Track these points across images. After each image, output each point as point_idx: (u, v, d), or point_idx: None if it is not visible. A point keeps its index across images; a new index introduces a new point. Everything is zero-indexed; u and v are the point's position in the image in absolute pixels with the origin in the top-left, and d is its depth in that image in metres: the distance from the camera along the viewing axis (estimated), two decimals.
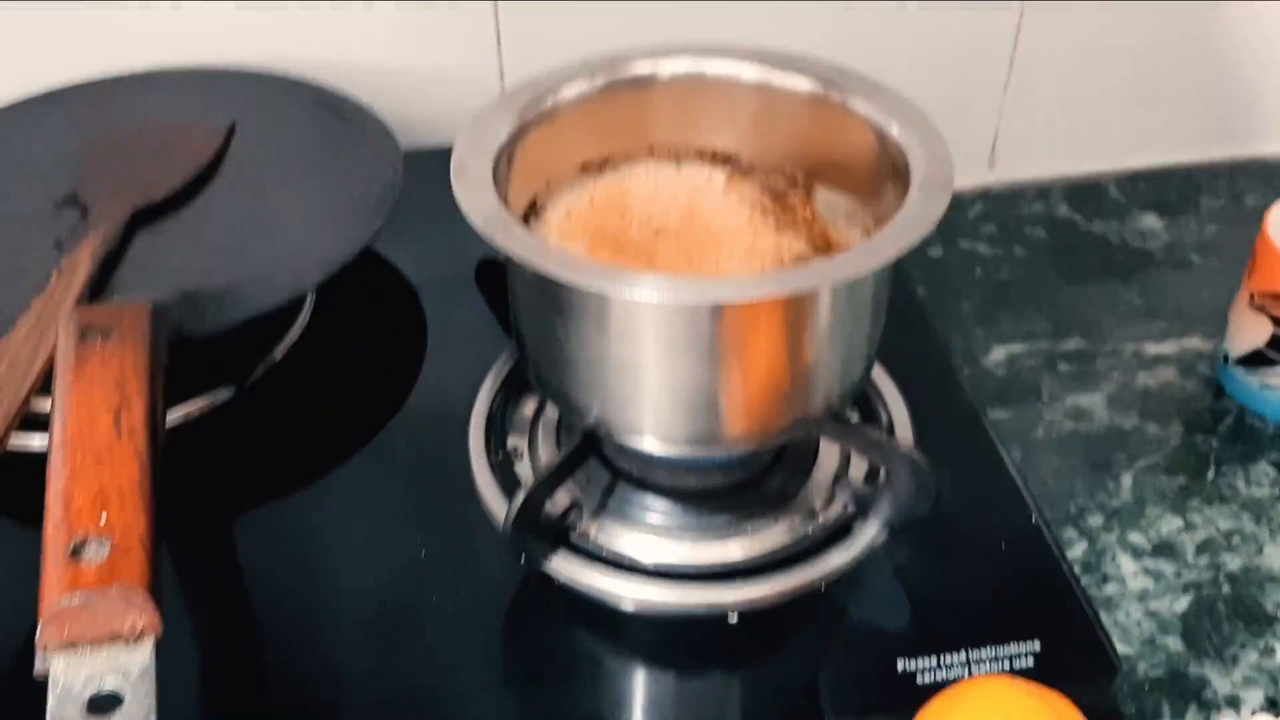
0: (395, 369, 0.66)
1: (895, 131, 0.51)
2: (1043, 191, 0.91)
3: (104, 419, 0.44)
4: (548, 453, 0.59)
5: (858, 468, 0.58)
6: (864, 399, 0.61)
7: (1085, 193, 0.92)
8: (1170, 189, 0.92)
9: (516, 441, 0.60)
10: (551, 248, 0.46)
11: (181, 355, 0.55)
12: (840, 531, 0.55)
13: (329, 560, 0.56)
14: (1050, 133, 0.91)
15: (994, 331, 0.78)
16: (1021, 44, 0.86)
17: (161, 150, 0.70)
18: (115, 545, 0.40)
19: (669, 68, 0.56)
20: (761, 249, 0.54)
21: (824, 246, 0.55)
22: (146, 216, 0.66)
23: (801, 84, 0.55)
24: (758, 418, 0.51)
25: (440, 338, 0.68)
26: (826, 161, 0.56)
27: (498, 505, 0.56)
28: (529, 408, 0.62)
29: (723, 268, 0.53)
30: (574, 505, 0.55)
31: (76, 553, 0.40)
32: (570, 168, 0.58)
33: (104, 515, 0.40)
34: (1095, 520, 0.65)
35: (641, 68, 0.56)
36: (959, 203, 0.90)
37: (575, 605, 0.53)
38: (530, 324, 0.52)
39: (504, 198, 0.51)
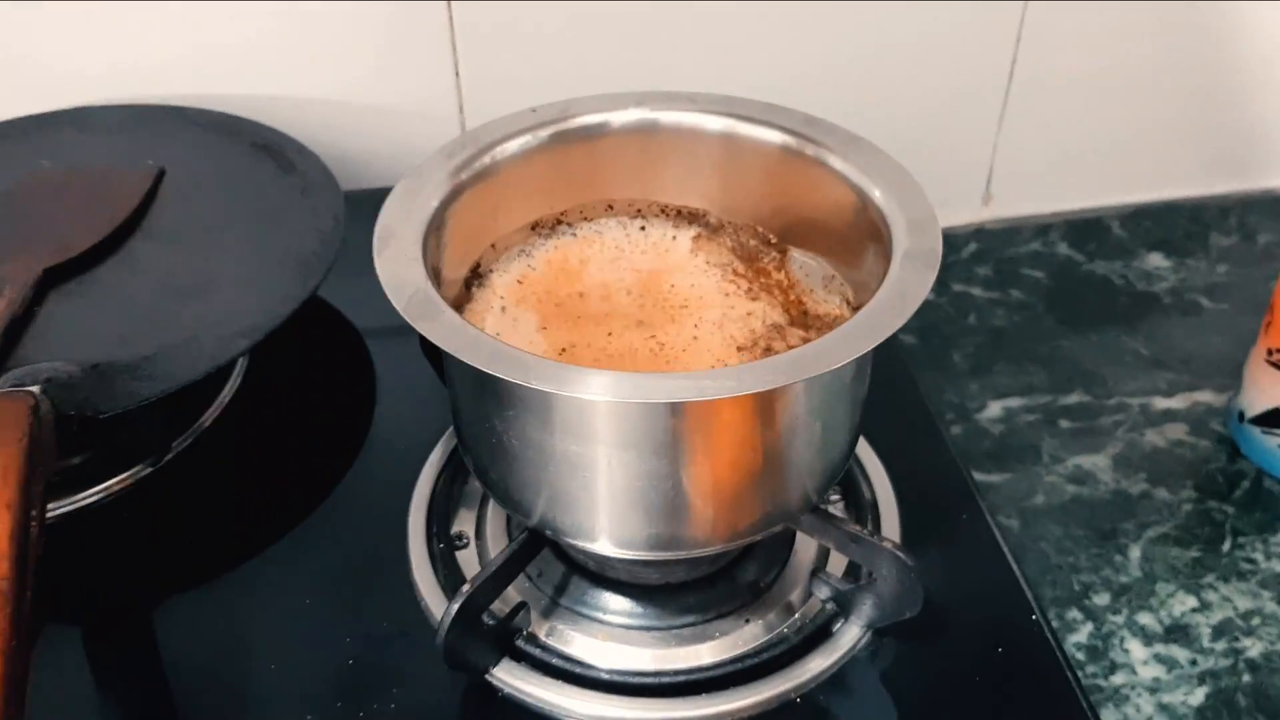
0: (336, 435, 0.61)
1: (875, 193, 0.46)
2: (1041, 229, 0.86)
3: None
4: (497, 539, 0.54)
5: (837, 557, 0.52)
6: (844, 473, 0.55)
7: (1086, 230, 0.86)
8: (1176, 226, 0.86)
9: (463, 525, 0.55)
10: (484, 338, 0.40)
11: (92, 429, 0.50)
12: (820, 632, 0.49)
13: (252, 661, 0.50)
14: (1048, 166, 0.86)
15: (989, 384, 0.73)
16: (1018, 72, 0.80)
17: (81, 199, 0.64)
18: None
19: (622, 118, 0.51)
20: (734, 320, 0.48)
21: (800, 316, 0.50)
22: (60, 275, 0.60)
23: (771, 136, 0.49)
24: (725, 519, 0.45)
25: (388, 398, 0.63)
26: (801, 221, 0.50)
27: (436, 603, 0.51)
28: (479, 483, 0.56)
29: (690, 341, 0.47)
30: (521, 605, 0.49)
31: None
32: (518, 228, 0.52)
33: None
34: (1101, 599, 0.59)
35: (591, 118, 0.51)
36: (951, 242, 0.85)
37: None
38: (468, 413, 0.46)
39: (437, 268, 0.46)
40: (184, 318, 0.57)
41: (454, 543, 0.54)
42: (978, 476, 0.64)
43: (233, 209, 0.64)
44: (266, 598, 0.53)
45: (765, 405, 0.41)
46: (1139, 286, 0.82)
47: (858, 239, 0.47)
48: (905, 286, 0.41)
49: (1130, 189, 0.88)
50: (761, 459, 0.43)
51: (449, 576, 0.52)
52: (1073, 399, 0.72)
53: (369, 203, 0.67)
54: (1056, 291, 0.81)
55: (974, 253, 0.84)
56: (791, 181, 0.49)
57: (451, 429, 0.57)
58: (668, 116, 0.50)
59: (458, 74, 0.75)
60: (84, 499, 0.56)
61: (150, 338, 0.56)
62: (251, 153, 0.68)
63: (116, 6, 0.70)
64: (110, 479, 0.57)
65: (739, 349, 0.47)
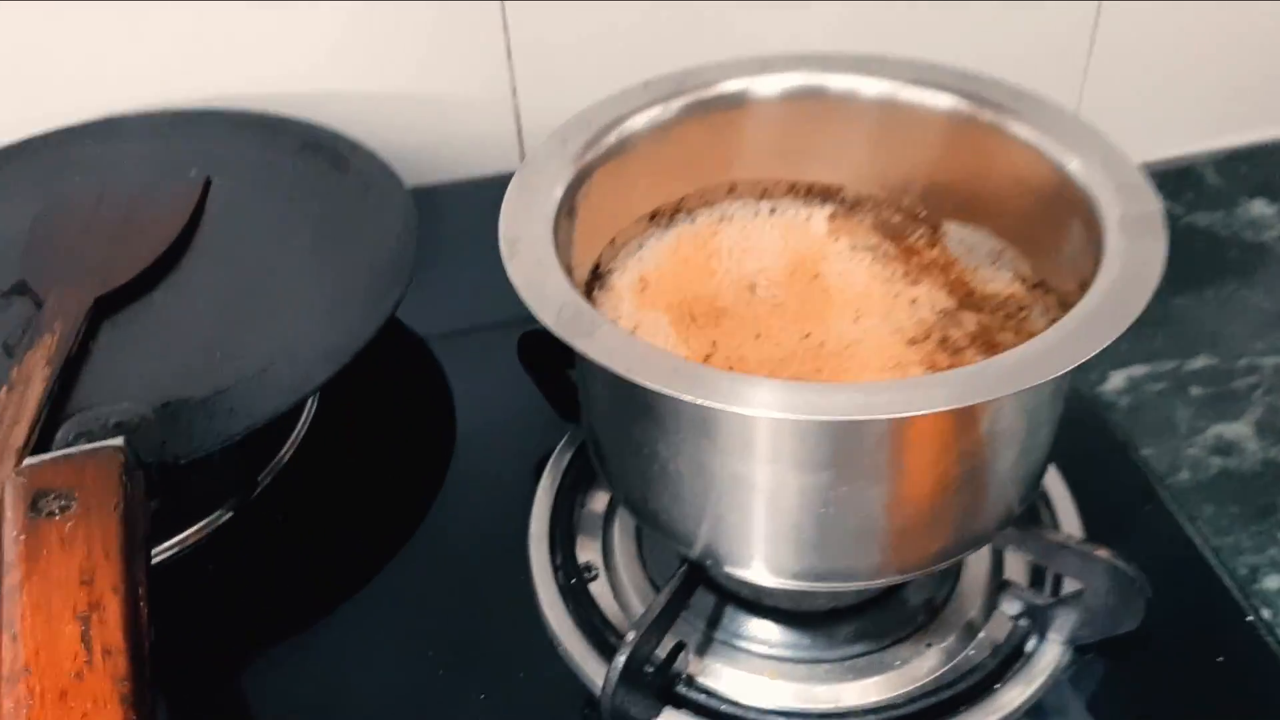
0: (423, 467, 0.55)
1: (1070, 157, 0.40)
2: None
3: (69, 630, 0.33)
4: (629, 567, 0.48)
5: (1015, 565, 0.47)
6: None
7: (1179, 179, 0.81)
8: (1276, 167, 0.80)
9: (588, 554, 0.49)
10: (649, 349, 0.34)
11: (167, 478, 0.44)
12: (1013, 654, 0.44)
13: (362, 710, 0.44)
14: (1135, 112, 0.80)
15: (1106, 352, 0.67)
16: (1103, 17, 0.74)
17: (123, 220, 0.57)
18: None
19: (771, 85, 0.44)
20: (899, 309, 0.42)
21: (967, 298, 0.44)
22: (112, 304, 0.53)
23: (939, 101, 0.43)
24: (910, 549, 0.39)
25: (475, 418, 0.57)
26: (966, 191, 0.44)
27: (573, 643, 0.45)
28: (600, 502, 0.51)
29: (854, 337, 0.41)
30: (679, 647, 0.44)
31: None
32: (636, 219, 0.46)
33: None
34: (1273, 582, 0.54)
35: (731, 85, 0.44)
36: None
37: None
38: (615, 436, 0.41)
39: (569, 266, 0.40)
40: (254, 344, 0.51)
41: (583, 574, 0.48)
42: None
43: (290, 217, 0.58)
44: (373, 648, 0.47)
45: (965, 423, 0.35)
46: (1246, 237, 0.76)
47: (1040, 208, 0.41)
48: (1135, 258, 0.35)
49: (1222, 131, 0.82)
50: (955, 483, 0.38)
51: (582, 614, 0.46)
52: (1200, 362, 0.67)
53: (427, 200, 0.62)
54: None
55: None
56: (954, 149, 0.43)
57: (560, 449, 0.52)
58: (830, 80, 0.44)
59: (509, 56, 0.69)
60: (161, 553, 0.50)
61: (220, 369, 0.50)
62: (301, 154, 0.62)
63: (140, 5, 0.63)
64: (188, 528, 0.51)
65: (911, 342, 0.42)
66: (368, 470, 0.55)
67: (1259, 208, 0.78)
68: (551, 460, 0.52)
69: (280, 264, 0.56)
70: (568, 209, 0.42)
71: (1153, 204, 0.37)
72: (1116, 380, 0.66)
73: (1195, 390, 0.65)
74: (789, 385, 0.33)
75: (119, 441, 0.40)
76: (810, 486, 0.35)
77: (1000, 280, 0.44)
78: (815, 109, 0.45)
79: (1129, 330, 0.35)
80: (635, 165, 0.44)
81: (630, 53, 0.69)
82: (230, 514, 0.51)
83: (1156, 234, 0.36)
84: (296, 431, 0.55)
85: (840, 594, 0.45)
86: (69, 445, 0.42)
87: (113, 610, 0.34)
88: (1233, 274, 0.73)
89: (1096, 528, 0.48)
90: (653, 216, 0.47)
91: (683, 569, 0.42)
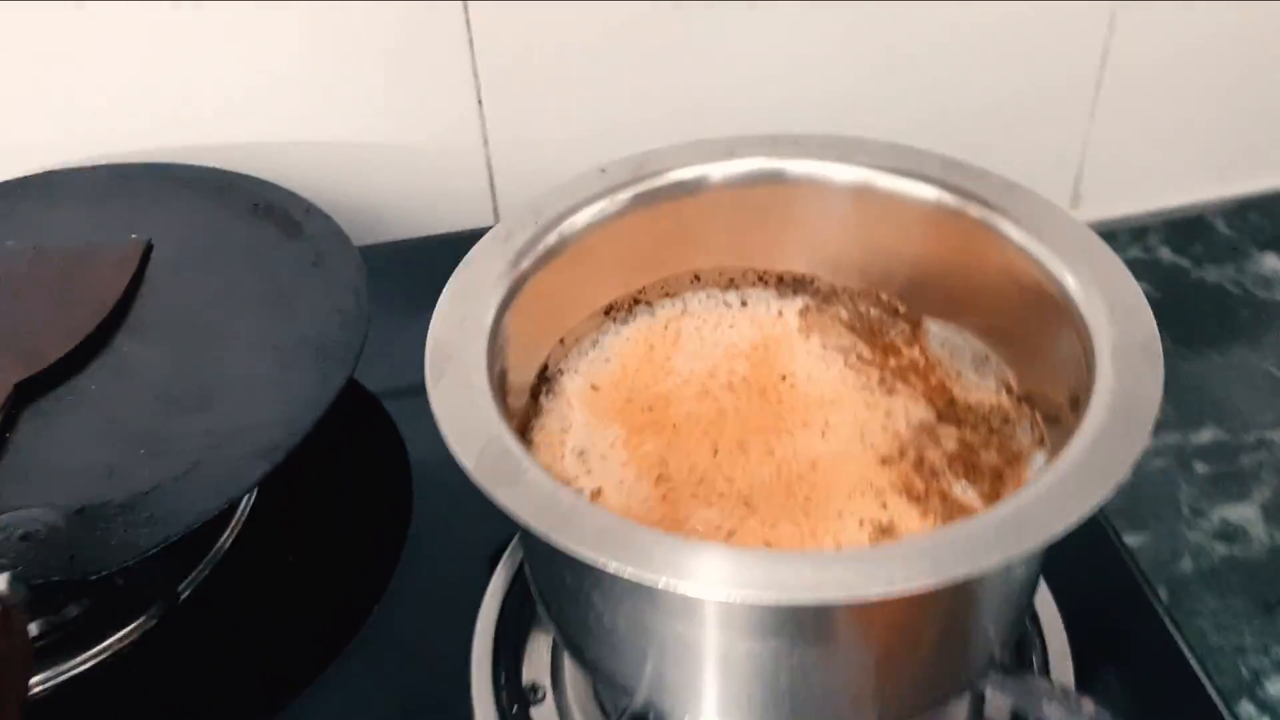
0: (371, 552, 0.52)
1: (1059, 264, 0.36)
2: (1138, 232, 0.77)
3: None
4: (577, 690, 0.44)
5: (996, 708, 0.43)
6: None
7: (1188, 229, 0.77)
8: None
9: (536, 673, 0.45)
10: (577, 504, 0.31)
11: (81, 586, 0.41)
12: None
13: None
14: (1142, 159, 0.77)
15: None
16: (1112, 57, 0.71)
17: (54, 289, 0.54)
18: None
19: (734, 169, 0.41)
20: (873, 423, 0.39)
21: (948, 407, 0.40)
22: (33, 388, 0.50)
23: (922, 191, 0.39)
24: (882, 707, 0.35)
25: (428, 493, 0.54)
26: (948, 289, 0.41)
27: None
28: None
29: (821, 456, 0.38)
30: None
31: None
32: (590, 314, 0.43)
33: None
34: (1277, 687, 0.50)
35: (684, 173, 0.41)
36: None
37: None
38: (552, 583, 0.37)
39: (504, 374, 0.36)
40: (185, 437, 0.48)
41: (527, 697, 0.44)
42: None
43: (234, 290, 0.55)
44: None
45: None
46: (1258, 295, 0.73)
47: (1029, 312, 0.38)
48: (1127, 391, 0.31)
49: (1231, 179, 0.79)
50: (930, 645, 0.34)
51: None
52: (1206, 436, 0.63)
53: (390, 258, 0.59)
54: (1166, 305, 0.72)
55: None
56: (941, 244, 0.39)
57: (511, 548, 0.48)
58: (792, 165, 0.40)
59: (480, 103, 0.65)
60: (76, 664, 0.47)
61: (146, 467, 0.47)
62: (251, 217, 0.58)
63: (78, 52, 0.60)
64: (107, 637, 0.47)
65: (884, 461, 0.38)
66: (310, 564, 0.52)
67: (1271, 262, 0.74)
68: (506, 555, 0.48)
69: (220, 341, 0.52)
70: (510, 310, 0.38)
71: (1150, 329, 0.33)
72: None
73: (1200, 467, 0.61)
74: (734, 554, 0.29)
75: (2, 582, 0.36)
76: (761, 653, 0.32)
77: (984, 390, 0.41)
78: (784, 195, 0.41)
79: None
80: (586, 259, 0.41)
81: (608, 99, 0.66)
82: (154, 621, 0.48)
83: (1154, 365, 0.32)
84: (231, 526, 0.51)
85: None
86: None
87: None
88: (1242, 336, 0.69)
89: (1083, 638, 0.45)
90: (608, 310, 0.43)
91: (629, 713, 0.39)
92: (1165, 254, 0.75)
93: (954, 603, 0.33)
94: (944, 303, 0.42)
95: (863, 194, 0.40)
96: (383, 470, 0.56)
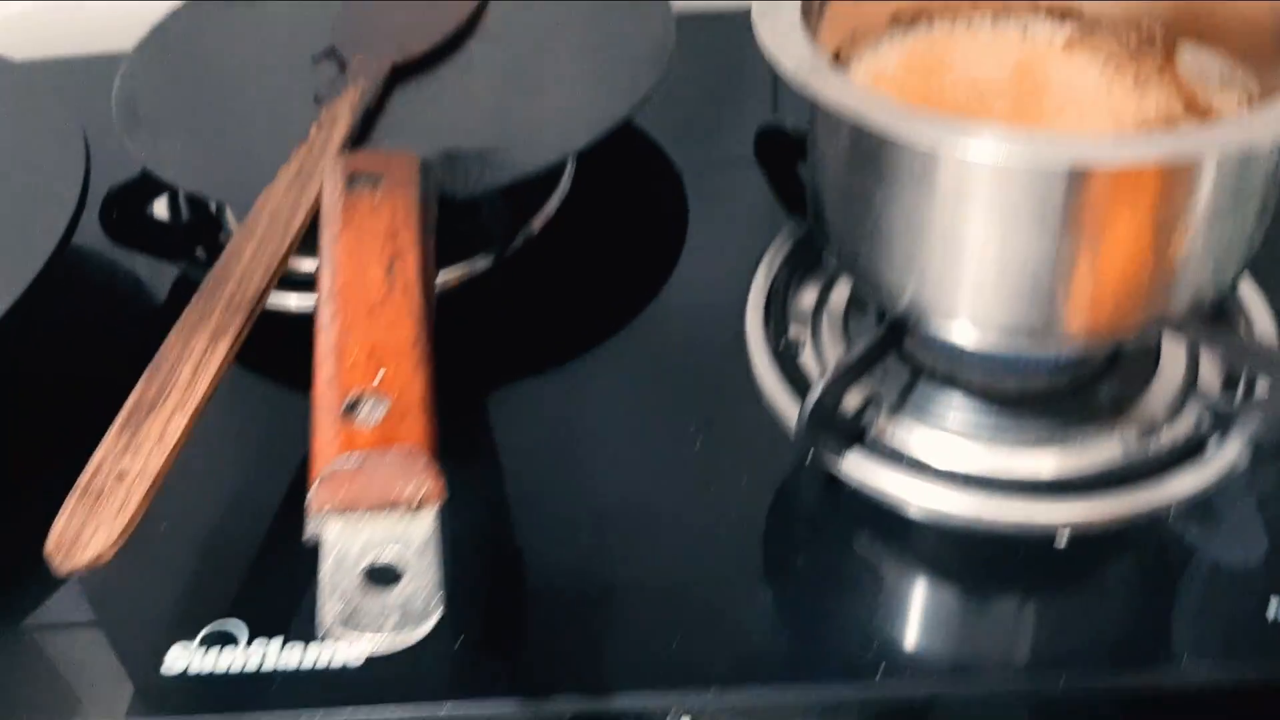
0: (658, 247, 0.61)
1: None
2: None
3: (375, 270, 0.40)
4: (833, 346, 0.53)
5: (1209, 377, 0.49)
6: None
7: None
8: None
9: (798, 332, 0.54)
10: (874, 94, 0.39)
11: (442, 218, 0.51)
12: (1189, 450, 0.47)
13: (592, 445, 0.51)
14: None
15: None
16: None
17: (420, 5, 0.65)
18: (393, 405, 0.35)
19: None
20: (1122, 109, 0.45)
21: (1197, 111, 0.46)
22: (405, 73, 0.62)
23: None
24: (1106, 312, 0.43)
25: (706, 218, 0.62)
26: (1198, 17, 0.47)
27: (780, 397, 0.50)
28: (809, 296, 0.55)
29: (1072, 129, 0.45)
30: (870, 401, 0.48)
31: (351, 410, 0.36)
32: (879, 19, 0.50)
33: (381, 372, 0.36)
34: None
35: None
36: None
37: (869, 511, 0.47)
38: (835, 192, 0.45)
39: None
40: (523, 116, 0.59)
41: (791, 345, 0.53)
42: None
43: (562, 16, 0.65)
44: (606, 387, 0.53)
45: (1177, 184, 0.39)
46: None
47: (1270, 38, 0.43)
48: None
49: None
50: (1158, 249, 0.41)
51: (789, 375, 0.51)
52: None
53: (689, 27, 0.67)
54: None
55: None
56: None
57: (777, 243, 0.57)
58: None
59: None
60: None
61: (493, 132, 0.58)
62: None
63: None
64: (452, 269, 0.58)
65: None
66: (611, 244, 0.61)
67: None
68: (771, 248, 0.57)
69: (549, 53, 0.63)
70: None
71: None
72: None
73: None
74: (1014, 132, 0.37)
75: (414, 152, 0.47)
76: (1011, 241, 0.40)
77: (1228, 99, 0.46)
78: None
79: None
80: None
81: None
82: (489, 263, 0.58)
83: None
84: (548, 206, 0.61)
85: (1031, 376, 0.49)
86: None
87: (410, 260, 0.41)
88: None
89: None
90: (894, 19, 0.51)
91: (881, 329, 0.47)
92: None
93: (1173, 209, 0.39)
94: (1195, 29, 0.48)
95: None
96: (666, 204, 0.64)
